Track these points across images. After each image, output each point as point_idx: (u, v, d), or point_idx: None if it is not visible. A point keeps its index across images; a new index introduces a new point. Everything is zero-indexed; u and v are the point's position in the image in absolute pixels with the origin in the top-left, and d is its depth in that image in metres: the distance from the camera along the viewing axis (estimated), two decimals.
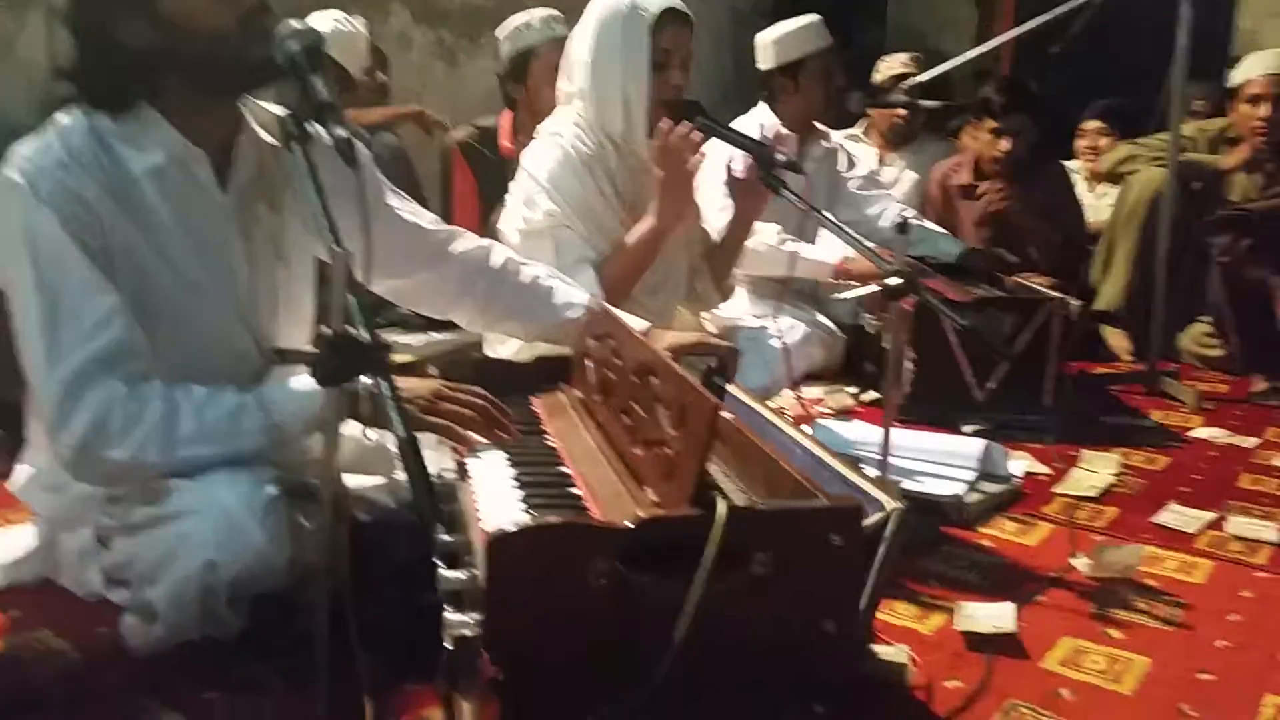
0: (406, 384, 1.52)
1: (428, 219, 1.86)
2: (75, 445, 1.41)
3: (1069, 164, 4.32)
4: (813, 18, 3.18)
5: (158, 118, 1.51)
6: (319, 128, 1.31)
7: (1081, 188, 4.24)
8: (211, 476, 1.42)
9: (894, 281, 1.85)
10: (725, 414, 1.43)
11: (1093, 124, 4.26)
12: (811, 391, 2.93)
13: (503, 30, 3.20)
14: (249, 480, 1.42)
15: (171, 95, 1.51)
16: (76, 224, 1.43)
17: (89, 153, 1.47)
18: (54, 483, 1.56)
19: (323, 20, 2.98)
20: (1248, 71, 3.45)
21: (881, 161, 4.08)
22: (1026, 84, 3.73)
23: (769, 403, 1.79)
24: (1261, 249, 3.08)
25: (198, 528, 1.38)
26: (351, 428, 1.49)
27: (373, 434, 1.49)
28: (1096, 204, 4.02)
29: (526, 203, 2.20)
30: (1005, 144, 3.49)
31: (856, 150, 3.83)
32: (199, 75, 1.50)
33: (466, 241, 1.88)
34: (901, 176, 4.05)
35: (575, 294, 1.92)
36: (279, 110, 1.60)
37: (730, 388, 1.71)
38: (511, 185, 2.28)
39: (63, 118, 1.50)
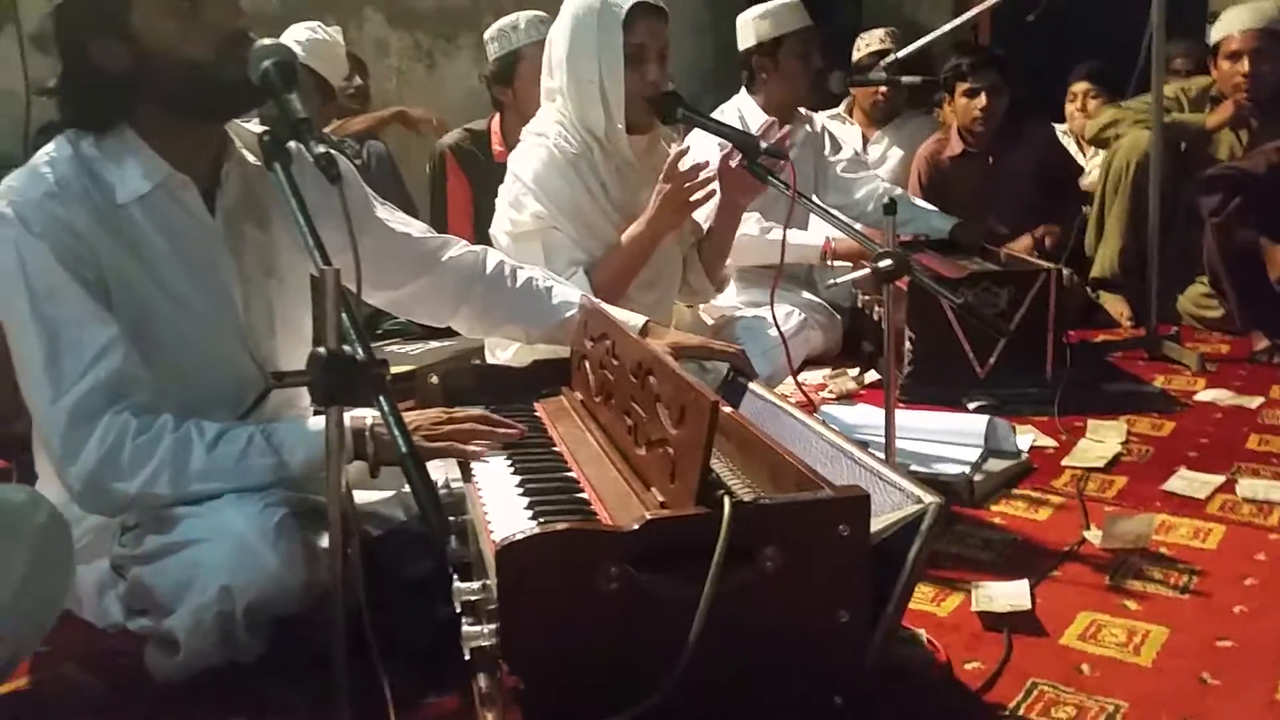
0: (408, 416, 1.51)
1: (418, 228, 1.85)
2: (84, 478, 1.41)
3: (1060, 126, 4.32)
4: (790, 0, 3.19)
5: (140, 144, 1.50)
6: (299, 145, 1.30)
7: (1074, 149, 4.23)
8: (220, 502, 1.41)
9: (885, 264, 1.84)
10: (726, 409, 1.43)
11: (1081, 85, 4.26)
12: (813, 377, 2.93)
13: (490, 33, 3.19)
14: (258, 504, 1.41)
15: (153, 120, 1.51)
16: (70, 256, 1.43)
17: (77, 183, 1.46)
18: (68, 516, 1.54)
19: (299, 31, 2.96)
20: (1226, 27, 3.44)
21: (866, 140, 4.07)
22: (984, 47, 3.75)
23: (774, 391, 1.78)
24: (1250, 207, 3.06)
25: (211, 555, 1.37)
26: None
27: (380, 474, 1.49)
28: (1090, 167, 4.02)
29: (513, 205, 2.19)
30: (981, 100, 3.50)
31: (841, 130, 3.82)
32: (179, 102, 1.50)
33: (459, 248, 1.88)
34: (888, 154, 4.04)
35: (572, 293, 1.92)
36: (258, 130, 1.59)
37: (752, 385, 1.71)
38: (500, 189, 2.26)
39: (49, 148, 1.49)
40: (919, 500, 1.22)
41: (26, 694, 1.47)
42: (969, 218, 3.33)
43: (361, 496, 1.66)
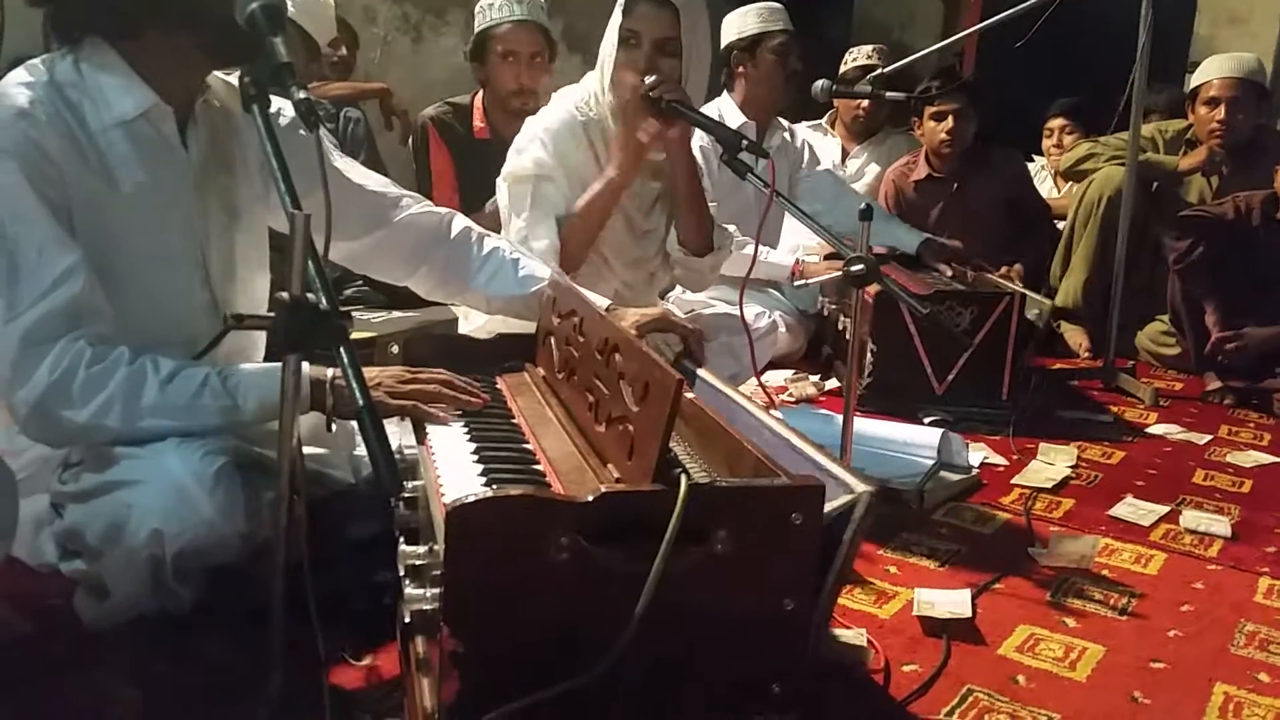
0: (369, 372, 1.50)
1: (376, 182, 1.85)
2: (33, 403, 1.37)
3: (1038, 160, 4.38)
4: (774, 4, 3.23)
5: (128, 69, 1.48)
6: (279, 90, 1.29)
7: (1049, 184, 4.29)
8: (162, 445, 1.38)
9: (857, 268, 1.85)
10: (688, 394, 1.42)
11: (1057, 121, 4.32)
12: (775, 379, 2.94)
13: (477, 9, 3.19)
14: (200, 450, 1.38)
15: (152, 48, 1.48)
16: (39, 176, 1.39)
17: (51, 105, 1.43)
18: (8, 448, 1.51)
19: None
20: (1206, 74, 3.50)
21: (846, 153, 4.10)
22: (958, 70, 3.79)
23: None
24: (1206, 257, 3.12)
25: (144, 497, 1.35)
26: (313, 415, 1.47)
27: (334, 426, 1.47)
28: (1064, 201, 4.06)
29: (518, 150, 2.23)
30: (948, 123, 3.52)
31: (821, 142, 3.85)
32: (194, 36, 1.48)
33: (420, 207, 1.88)
34: (865, 169, 4.07)
35: (540, 268, 1.91)
36: (234, 74, 1.57)
37: (701, 372, 1.70)
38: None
39: (18, 73, 1.46)
40: (852, 490, 1.22)
41: None
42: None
43: (310, 455, 1.64)
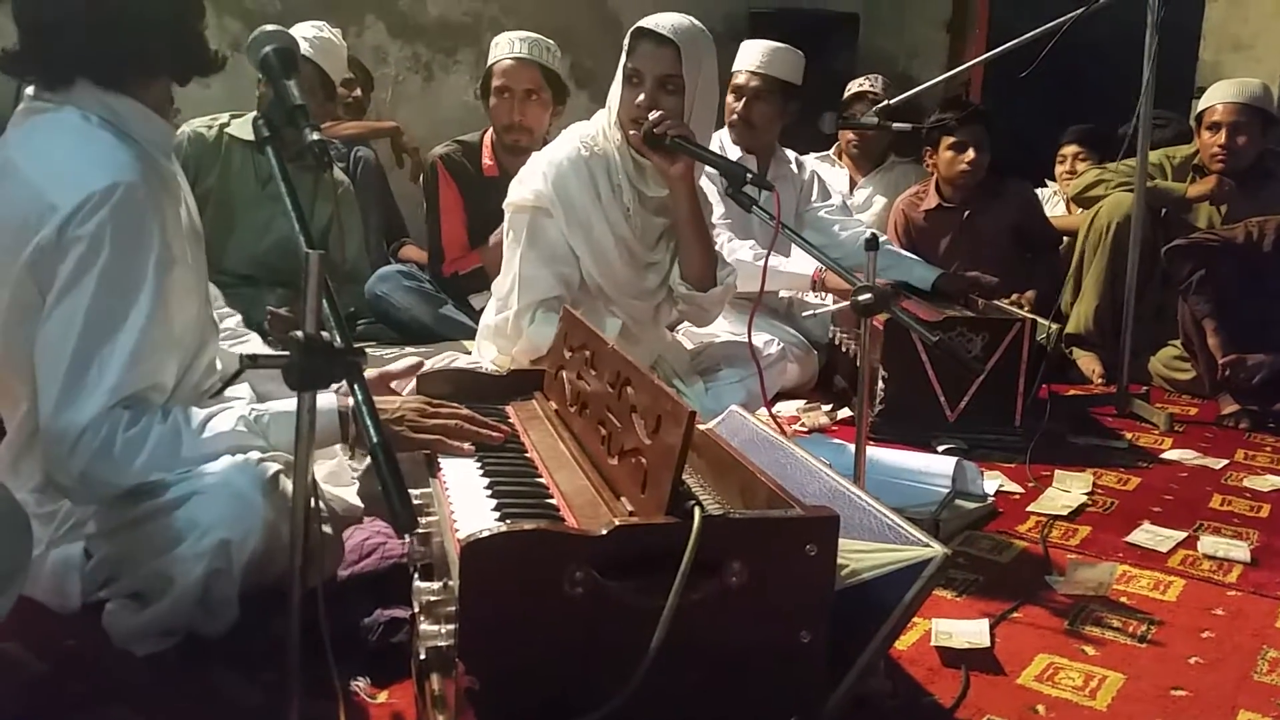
0: (389, 403, 1.51)
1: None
2: (77, 474, 1.40)
3: (1051, 187, 4.39)
4: (770, 43, 3.23)
5: (146, 109, 1.49)
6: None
7: (1060, 208, 4.29)
8: (218, 462, 1.42)
9: (865, 297, 1.85)
10: (700, 426, 1.43)
11: (1071, 148, 4.30)
12: (787, 409, 2.93)
13: None
14: (250, 459, 1.42)
15: (139, 89, 1.49)
16: (164, 256, 1.40)
17: (124, 148, 1.43)
18: (40, 512, 1.52)
19: (306, 29, 2.98)
20: (1210, 99, 3.51)
21: (854, 184, 4.11)
22: (972, 102, 3.81)
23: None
24: (1207, 280, 3.12)
25: (205, 508, 1.37)
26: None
27: (357, 461, 1.49)
28: (1074, 220, 4.06)
29: (520, 180, 2.29)
30: (969, 154, 3.52)
31: (830, 173, 3.86)
32: (169, 71, 1.51)
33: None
34: (873, 200, 4.08)
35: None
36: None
37: (742, 411, 1.73)
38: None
39: (59, 122, 1.44)
40: (927, 545, 1.25)
41: None
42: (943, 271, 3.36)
43: (326, 489, 1.65)
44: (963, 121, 3.55)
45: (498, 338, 2.37)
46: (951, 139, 3.55)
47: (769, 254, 2.23)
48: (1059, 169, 4.36)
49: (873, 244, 1.92)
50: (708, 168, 2.28)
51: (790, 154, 3.38)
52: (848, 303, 1.88)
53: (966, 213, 3.64)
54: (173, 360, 1.48)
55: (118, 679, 1.41)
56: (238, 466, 1.41)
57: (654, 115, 2.14)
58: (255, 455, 1.43)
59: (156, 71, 1.49)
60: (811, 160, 3.65)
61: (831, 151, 4.21)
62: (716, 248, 2.47)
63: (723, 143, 3.22)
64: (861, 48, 5.48)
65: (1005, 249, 3.66)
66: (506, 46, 3.14)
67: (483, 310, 2.57)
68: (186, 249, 1.51)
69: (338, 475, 1.71)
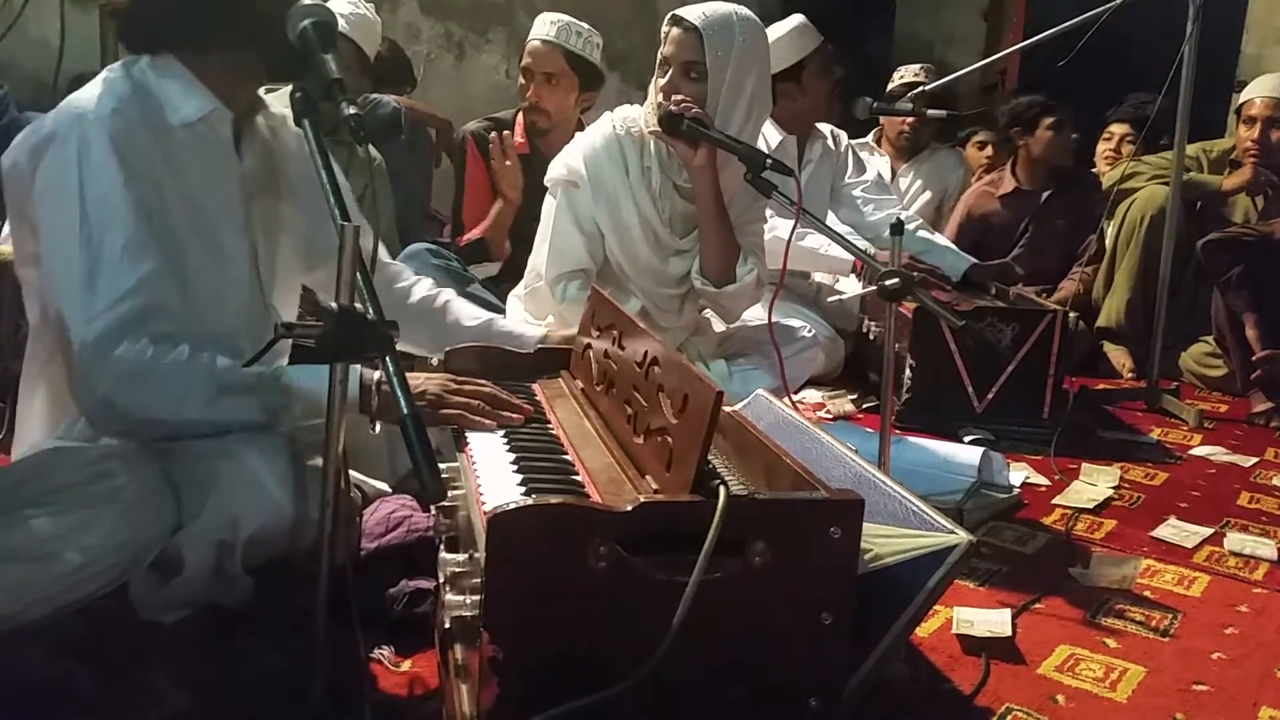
0: (415, 380, 1.52)
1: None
2: (99, 397, 1.40)
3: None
4: (798, 18, 3.17)
5: (192, 77, 1.52)
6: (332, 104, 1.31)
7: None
8: (231, 441, 1.42)
9: (890, 282, 1.85)
10: (727, 407, 1.43)
11: (1120, 127, 4.17)
12: (812, 396, 2.93)
13: None
14: (270, 443, 1.43)
15: (211, 62, 1.53)
16: (133, 175, 1.43)
17: (136, 105, 1.47)
18: (73, 441, 1.54)
19: (341, 4, 2.98)
20: (1250, 92, 3.47)
21: (895, 173, 4.09)
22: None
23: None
24: (1247, 275, 3.08)
25: (222, 485, 1.39)
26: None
27: (378, 428, 1.50)
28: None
29: (559, 158, 2.35)
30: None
31: (869, 161, 3.83)
32: (251, 52, 1.53)
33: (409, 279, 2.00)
34: (914, 189, 4.06)
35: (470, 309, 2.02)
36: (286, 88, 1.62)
37: (767, 395, 1.74)
38: None
39: (100, 79, 1.50)
40: (952, 532, 1.27)
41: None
42: (1005, 254, 3.35)
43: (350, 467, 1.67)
44: (1053, 106, 3.63)
45: (530, 302, 2.42)
46: (1050, 119, 3.59)
47: (790, 240, 2.23)
48: (1102, 146, 4.24)
49: (898, 228, 1.91)
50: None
51: (826, 128, 3.36)
52: (874, 289, 1.88)
53: (1045, 195, 3.67)
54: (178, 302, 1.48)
55: (145, 641, 1.43)
56: (258, 450, 1.41)
57: (673, 99, 2.15)
58: (270, 439, 1.44)
59: (204, 42, 1.52)
60: (849, 141, 3.63)
61: (870, 138, 4.18)
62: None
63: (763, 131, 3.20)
64: (898, 34, 5.44)
65: (1071, 234, 3.69)
66: (538, 28, 3.14)
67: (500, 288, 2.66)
68: (205, 214, 1.52)
69: (357, 436, 1.71)
